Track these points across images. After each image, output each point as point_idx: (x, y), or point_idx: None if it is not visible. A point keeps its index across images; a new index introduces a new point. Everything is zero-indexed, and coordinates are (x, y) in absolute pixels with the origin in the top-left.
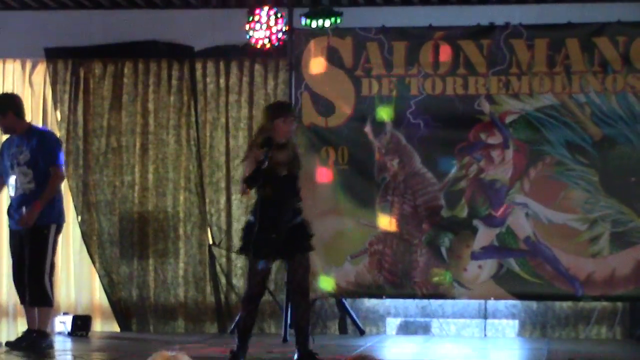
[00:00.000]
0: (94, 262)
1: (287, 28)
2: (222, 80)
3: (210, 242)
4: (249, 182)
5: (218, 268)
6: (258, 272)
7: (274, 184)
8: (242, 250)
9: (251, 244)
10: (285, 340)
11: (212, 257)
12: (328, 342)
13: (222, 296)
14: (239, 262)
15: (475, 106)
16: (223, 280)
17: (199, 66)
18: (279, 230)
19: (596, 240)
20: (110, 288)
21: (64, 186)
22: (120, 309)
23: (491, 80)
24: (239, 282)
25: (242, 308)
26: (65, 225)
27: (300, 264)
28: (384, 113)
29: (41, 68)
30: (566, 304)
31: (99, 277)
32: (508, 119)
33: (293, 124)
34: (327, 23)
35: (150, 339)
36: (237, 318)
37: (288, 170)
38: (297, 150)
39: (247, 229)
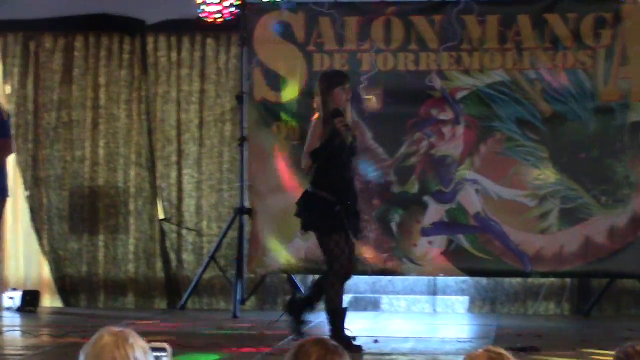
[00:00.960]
0: (40, 238)
1: (239, 2)
2: (173, 54)
3: (161, 217)
4: (314, 155)
5: (168, 243)
6: (342, 247)
7: (342, 155)
8: (307, 228)
9: (330, 219)
10: (235, 316)
11: (162, 232)
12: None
13: (172, 272)
14: (190, 238)
15: (427, 82)
16: (173, 255)
17: (150, 40)
18: (353, 203)
19: (545, 216)
20: (56, 264)
21: (12, 160)
22: (65, 286)
23: (442, 56)
24: (189, 257)
25: (336, 288)
26: (14, 199)
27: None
28: None
29: None
30: (515, 280)
31: (45, 253)
32: (459, 95)
33: (350, 92)
34: None
35: (99, 315)
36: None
37: (353, 141)
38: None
39: (320, 204)
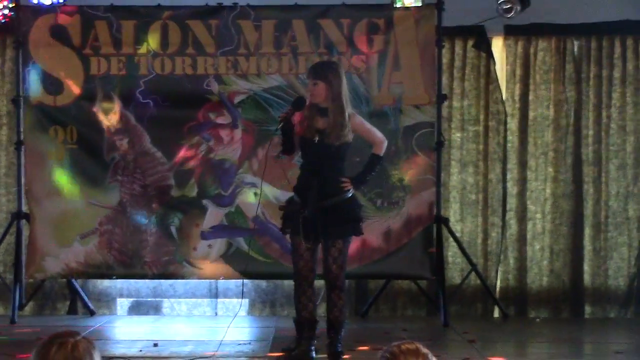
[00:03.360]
0: None
1: (13, 4)
2: None
3: None
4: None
5: None
6: (297, 251)
7: (307, 151)
8: (280, 229)
9: (286, 220)
10: (13, 321)
11: None
12: (56, 323)
13: None
14: None
15: (204, 86)
16: None
17: None
18: (309, 207)
19: None
20: None
21: None
22: None
23: (220, 60)
24: None
25: (295, 297)
26: None
27: (329, 252)
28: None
29: None
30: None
31: None
32: (237, 99)
33: (316, 85)
34: (55, 0)
35: None
36: None
37: (324, 138)
38: (340, 118)
39: (285, 203)
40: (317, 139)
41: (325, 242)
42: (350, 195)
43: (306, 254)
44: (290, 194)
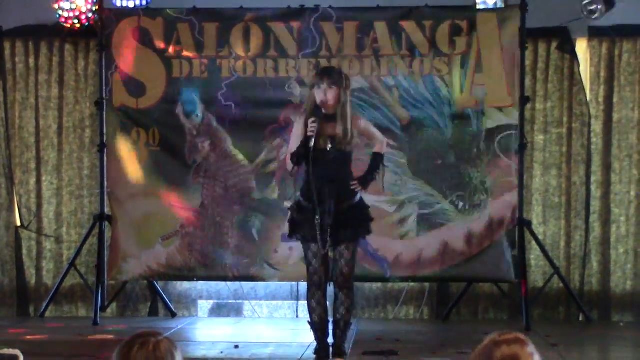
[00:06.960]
0: None
1: (97, 8)
2: (31, 60)
3: (18, 224)
4: (294, 158)
5: (25, 251)
6: (310, 257)
7: (318, 159)
8: (289, 235)
9: (297, 226)
10: (95, 323)
11: (18, 239)
12: (138, 325)
13: (29, 280)
14: (48, 245)
15: (286, 88)
16: (29, 263)
17: (7, 45)
18: (322, 213)
19: (404, 222)
20: None
21: None
22: None
23: (301, 62)
24: (49, 265)
25: (307, 300)
26: None
27: (342, 255)
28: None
29: None
30: (375, 285)
31: None
32: None
33: (328, 91)
34: (138, 3)
35: None
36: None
37: (335, 145)
38: (349, 124)
39: (292, 209)
40: (329, 146)
41: (338, 246)
42: (360, 196)
43: (321, 260)
44: (371, 196)
